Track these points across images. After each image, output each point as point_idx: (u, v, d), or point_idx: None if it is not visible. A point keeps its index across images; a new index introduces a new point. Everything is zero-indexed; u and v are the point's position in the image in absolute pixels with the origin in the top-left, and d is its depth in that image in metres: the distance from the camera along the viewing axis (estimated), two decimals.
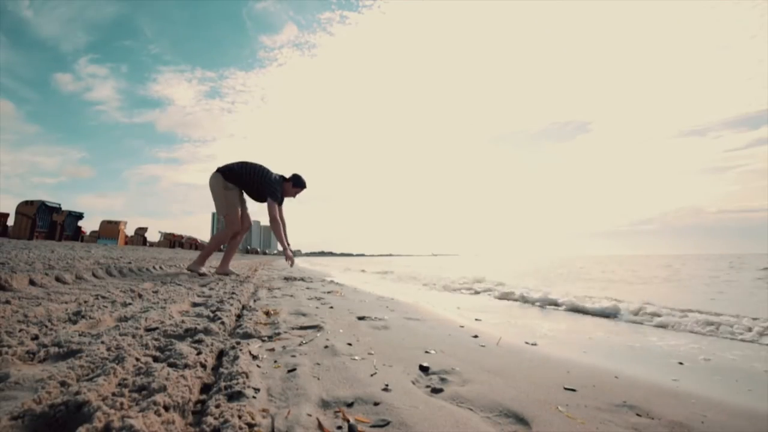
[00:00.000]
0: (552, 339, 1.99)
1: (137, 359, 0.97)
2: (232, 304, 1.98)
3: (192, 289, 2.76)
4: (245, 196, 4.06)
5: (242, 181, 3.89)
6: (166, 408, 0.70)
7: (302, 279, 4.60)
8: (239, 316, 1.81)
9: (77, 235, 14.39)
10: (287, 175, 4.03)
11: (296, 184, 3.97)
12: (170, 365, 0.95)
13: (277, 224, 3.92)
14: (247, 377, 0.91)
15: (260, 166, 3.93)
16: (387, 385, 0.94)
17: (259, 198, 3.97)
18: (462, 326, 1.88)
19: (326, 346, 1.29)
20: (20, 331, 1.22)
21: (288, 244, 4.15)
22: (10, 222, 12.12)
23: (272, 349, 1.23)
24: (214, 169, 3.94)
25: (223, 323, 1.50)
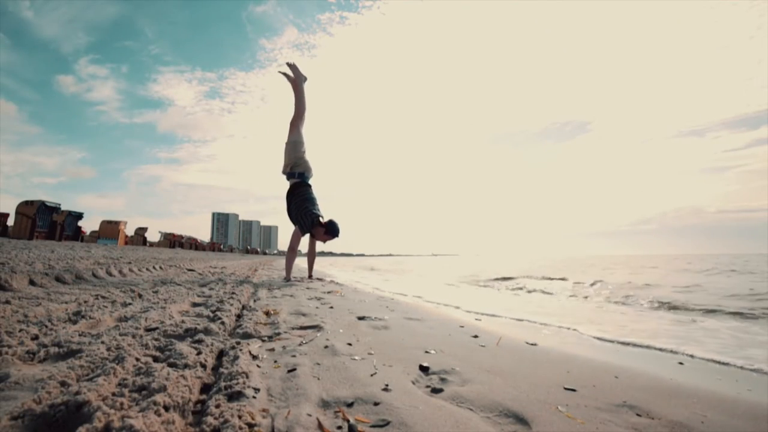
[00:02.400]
0: (552, 339, 1.99)
1: (137, 359, 0.97)
2: (232, 304, 1.98)
3: (192, 289, 2.76)
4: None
5: (289, 201, 4.13)
6: (166, 408, 0.70)
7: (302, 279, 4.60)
8: (239, 316, 1.81)
9: (77, 235, 14.39)
10: (325, 217, 4.11)
11: (328, 231, 4.04)
12: (170, 365, 0.95)
13: (291, 254, 4.22)
14: (247, 377, 0.91)
15: (303, 198, 4.06)
16: (387, 385, 0.94)
17: (291, 220, 4.14)
18: (462, 326, 1.88)
19: (326, 346, 1.29)
20: (20, 331, 1.22)
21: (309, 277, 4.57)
22: (10, 222, 12.12)
23: (272, 349, 1.23)
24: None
25: (223, 323, 1.50)
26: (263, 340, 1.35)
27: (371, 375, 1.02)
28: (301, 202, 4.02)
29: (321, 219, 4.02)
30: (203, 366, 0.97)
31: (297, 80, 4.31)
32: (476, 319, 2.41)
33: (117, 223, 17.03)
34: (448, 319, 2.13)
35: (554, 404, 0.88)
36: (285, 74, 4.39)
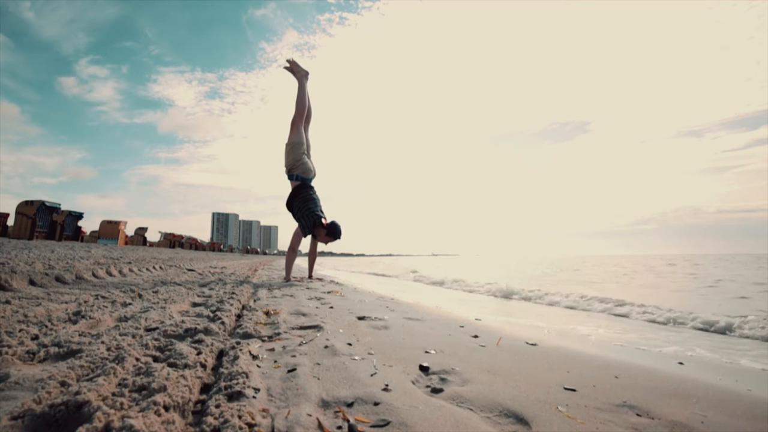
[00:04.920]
0: (552, 339, 1.99)
1: (137, 359, 0.97)
2: (232, 304, 1.98)
3: (192, 289, 2.76)
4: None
5: (290, 203, 4.12)
6: (166, 408, 0.70)
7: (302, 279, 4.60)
8: (239, 316, 1.81)
9: (77, 235, 14.39)
10: (327, 218, 4.09)
11: (330, 233, 4.02)
12: (170, 365, 0.95)
13: (292, 254, 4.26)
14: (247, 377, 0.91)
15: (305, 198, 4.05)
16: (387, 385, 0.94)
17: (295, 219, 4.15)
18: (462, 326, 1.88)
19: (326, 346, 1.29)
20: (20, 331, 1.22)
21: (309, 277, 4.64)
22: (10, 222, 12.12)
23: (272, 349, 1.23)
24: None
25: (223, 323, 1.50)
26: (263, 340, 1.35)
27: (371, 375, 1.02)
28: (303, 204, 4.01)
29: (323, 220, 4.02)
30: (203, 366, 0.97)
31: (297, 75, 4.31)
32: (476, 319, 2.41)
33: (117, 223, 17.04)
34: (448, 319, 2.13)
35: (554, 404, 0.88)
36: (288, 69, 4.39)
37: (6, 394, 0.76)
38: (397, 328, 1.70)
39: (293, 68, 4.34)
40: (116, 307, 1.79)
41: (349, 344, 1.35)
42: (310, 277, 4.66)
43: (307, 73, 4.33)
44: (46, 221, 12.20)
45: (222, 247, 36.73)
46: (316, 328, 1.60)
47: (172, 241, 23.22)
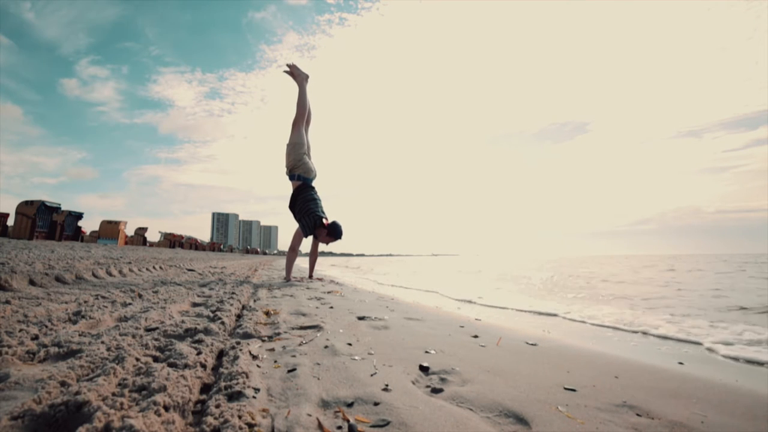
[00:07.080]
0: (552, 340, 1.99)
1: (137, 359, 0.97)
2: (232, 304, 1.98)
3: (192, 289, 2.76)
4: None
5: (292, 203, 4.13)
6: (166, 408, 0.70)
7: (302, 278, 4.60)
8: (239, 316, 1.81)
9: (77, 235, 14.38)
10: (328, 218, 4.09)
11: (330, 233, 4.01)
12: (170, 365, 0.95)
13: (292, 254, 4.33)
14: (247, 377, 0.91)
15: (306, 199, 4.06)
16: (387, 385, 0.94)
17: (296, 219, 4.17)
18: (462, 326, 1.88)
19: (326, 346, 1.29)
20: (20, 331, 1.22)
21: (310, 277, 4.67)
22: (10, 222, 12.12)
23: (272, 349, 1.23)
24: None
25: (223, 323, 1.50)
26: (263, 340, 1.35)
27: (371, 375, 1.02)
28: (304, 204, 4.01)
29: (324, 221, 4.01)
30: (203, 366, 0.97)
31: (297, 78, 4.34)
32: (476, 320, 2.41)
33: (117, 223, 17.03)
34: (448, 319, 2.13)
35: (554, 404, 0.88)
36: (289, 73, 4.42)
37: (6, 394, 0.76)
38: (397, 328, 1.70)
39: (293, 72, 4.37)
40: (116, 307, 1.79)
41: (349, 344, 1.35)
42: (310, 277, 4.67)
43: (307, 77, 4.36)
44: (46, 221, 12.19)
45: (222, 247, 36.73)
46: (316, 328, 1.60)
47: (172, 241, 23.22)
